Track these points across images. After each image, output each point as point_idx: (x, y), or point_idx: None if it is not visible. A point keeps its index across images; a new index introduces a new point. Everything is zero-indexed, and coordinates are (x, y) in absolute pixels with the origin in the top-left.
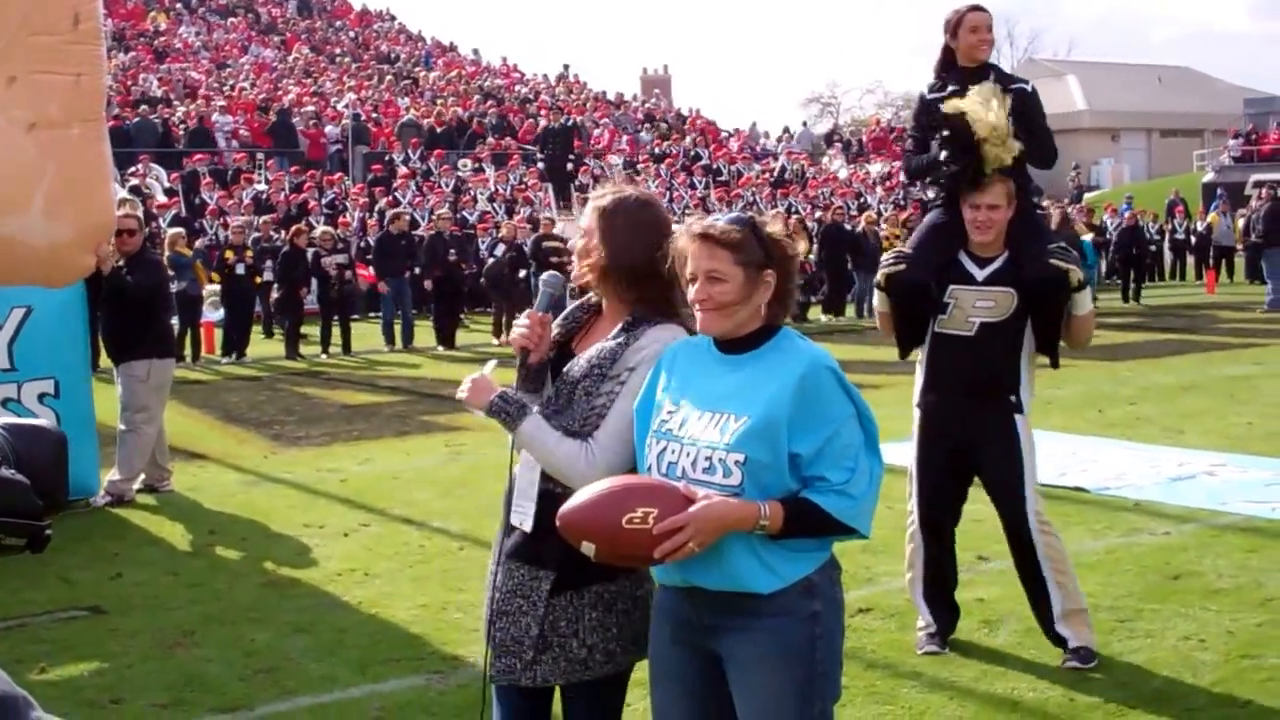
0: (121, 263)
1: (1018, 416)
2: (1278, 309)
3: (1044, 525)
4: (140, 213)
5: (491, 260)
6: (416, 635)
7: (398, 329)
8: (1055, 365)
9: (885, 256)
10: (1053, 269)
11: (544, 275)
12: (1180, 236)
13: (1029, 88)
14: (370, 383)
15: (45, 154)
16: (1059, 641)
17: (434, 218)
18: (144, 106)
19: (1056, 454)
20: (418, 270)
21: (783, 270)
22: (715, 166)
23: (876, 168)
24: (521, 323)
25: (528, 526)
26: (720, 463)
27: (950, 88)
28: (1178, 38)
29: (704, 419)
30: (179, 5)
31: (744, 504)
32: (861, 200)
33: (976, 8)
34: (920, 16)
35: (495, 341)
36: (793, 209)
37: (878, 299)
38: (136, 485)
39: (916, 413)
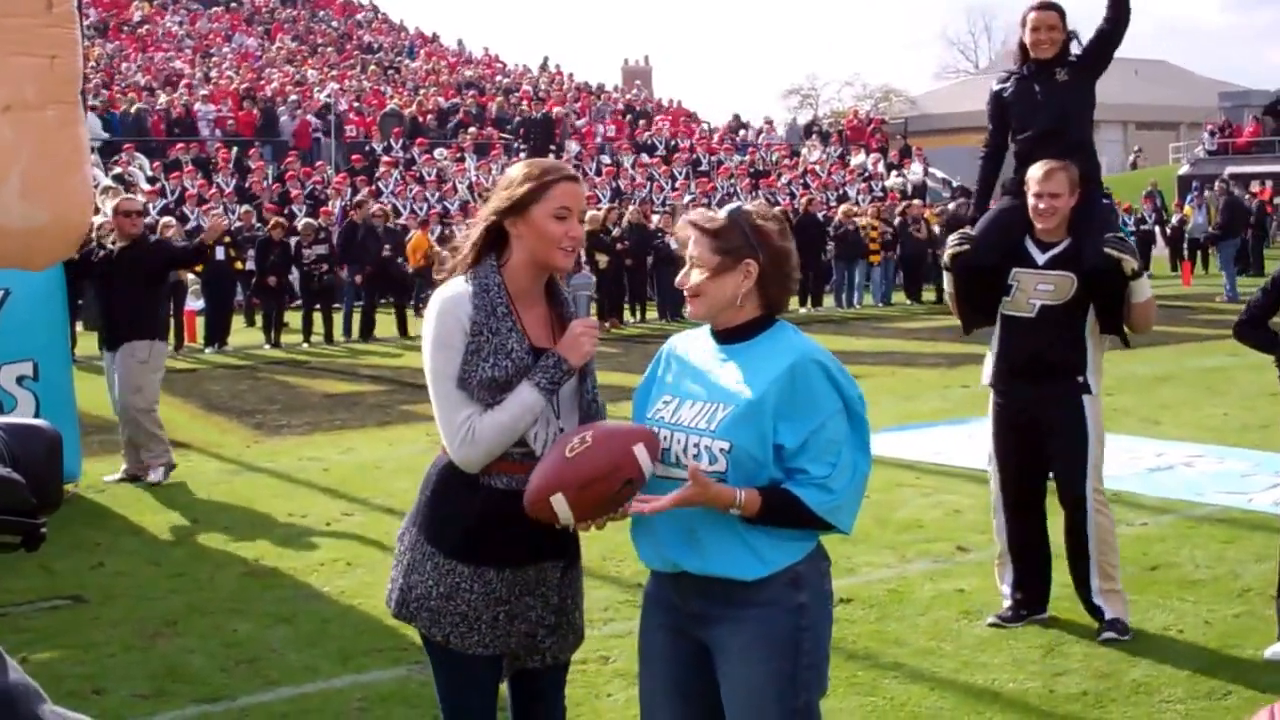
0: (124, 244)
1: (1085, 397)
2: (1235, 300)
3: (1100, 506)
4: (135, 196)
5: None
6: (399, 626)
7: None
8: (1126, 345)
9: (951, 238)
10: (1107, 258)
11: (577, 279)
12: (1148, 228)
13: (1075, 44)
14: (351, 372)
15: (20, 136)
16: (1095, 612)
17: (365, 208)
18: (130, 95)
19: None
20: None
21: (772, 260)
22: (695, 157)
23: (857, 159)
24: (595, 335)
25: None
26: (706, 450)
27: (1012, 77)
28: (1149, 31)
29: (695, 408)
30: None
31: (721, 489)
32: (841, 191)
33: (1038, 6)
34: (900, 9)
35: None
36: (772, 200)
37: (945, 279)
38: (119, 475)
39: (990, 393)
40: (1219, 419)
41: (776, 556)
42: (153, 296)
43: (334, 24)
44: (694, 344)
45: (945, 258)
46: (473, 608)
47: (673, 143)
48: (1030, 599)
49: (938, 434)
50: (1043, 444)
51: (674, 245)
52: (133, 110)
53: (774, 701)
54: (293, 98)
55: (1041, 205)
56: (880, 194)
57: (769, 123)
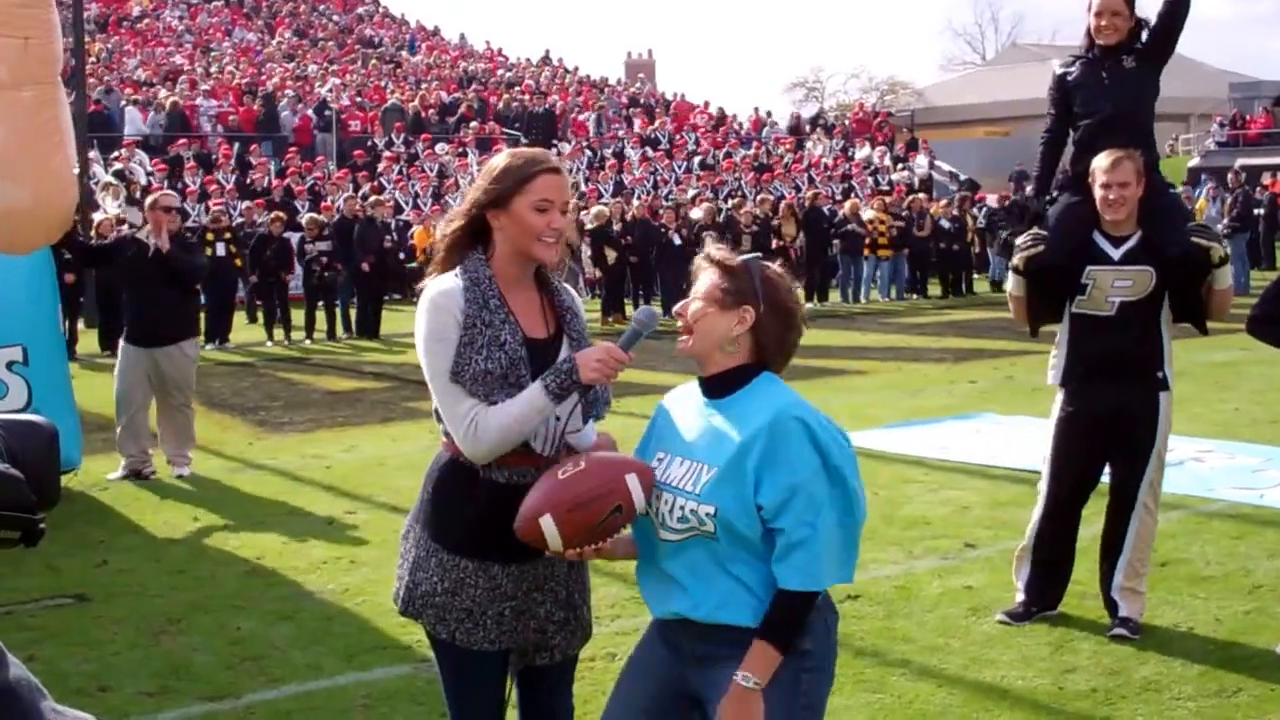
0: (158, 242)
1: (1163, 394)
2: (1244, 293)
3: (1150, 505)
4: (123, 198)
5: None
6: (403, 623)
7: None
8: (1204, 332)
9: (1022, 240)
10: (1195, 247)
11: (640, 313)
12: None
13: (1142, 29)
14: (354, 369)
15: None
16: (1111, 607)
17: (370, 204)
18: (127, 90)
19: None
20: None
21: (772, 311)
22: (698, 151)
23: (863, 152)
24: (610, 361)
25: None
26: (694, 514)
27: (1077, 61)
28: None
29: (683, 466)
30: None
31: (752, 697)
32: (846, 185)
33: None
34: (905, 1)
35: None
36: (778, 194)
37: (1012, 283)
38: (122, 472)
39: (1059, 393)
40: (1229, 414)
41: (749, 594)
42: (192, 293)
43: (335, 18)
44: (684, 399)
45: (1017, 260)
46: (478, 604)
47: (677, 137)
48: (1043, 597)
49: (944, 430)
50: (1109, 442)
51: (677, 241)
52: (168, 104)
53: None
54: (292, 93)
55: (1111, 195)
56: (887, 188)
57: (760, 113)
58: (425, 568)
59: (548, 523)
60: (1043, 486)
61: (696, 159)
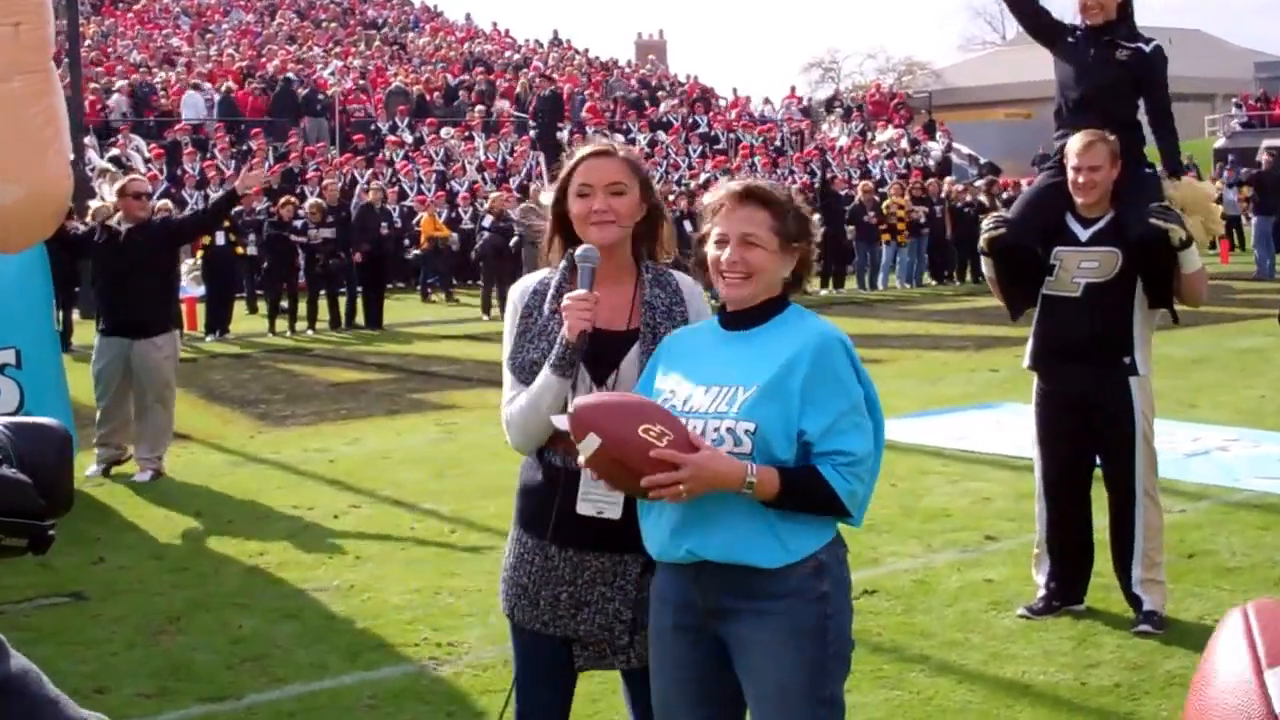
0: (131, 226)
1: (1133, 379)
2: (1265, 277)
3: (1150, 494)
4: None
5: (484, 235)
6: (409, 621)
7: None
8: (1175, 320)
9: (986, 221)
10: (1153, 228)
11: (580, 251)
12: None
13: (1148, 48)
14: (358, 360)
15: None
16: (1134, 602)
17: (368, 189)
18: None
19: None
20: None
21: (810, 246)
22: (713, 134)
23: (886, 134)
24: (580, 306)
25: (616, 515)
26: (729, 433)
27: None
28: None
29: (710, 393)
30: None
31: (733, 461)
32: (865, 167)
33: None
34: None
35: (485, 317)
36: (793, 176)
37: (985, 265)
38: (97, 467)
39: (1033, 377)
40: (1255, 401)
41: (800, 544)
42: (168, 284)
43: None
44: (694, 335)
45: (982, 242)
46: (533, 581)
47: (691, 119)
48: (1065, 591)
49: (964, 419)
50: (1089, 429)
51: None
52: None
53: (803, 693)
54: (294, 76)
55: (1081, 179)
56: (904, 171)
57: (774, 96)
58: (508, 544)
59: (591, 444)
60: (1037, 472)
61: (716, 145)
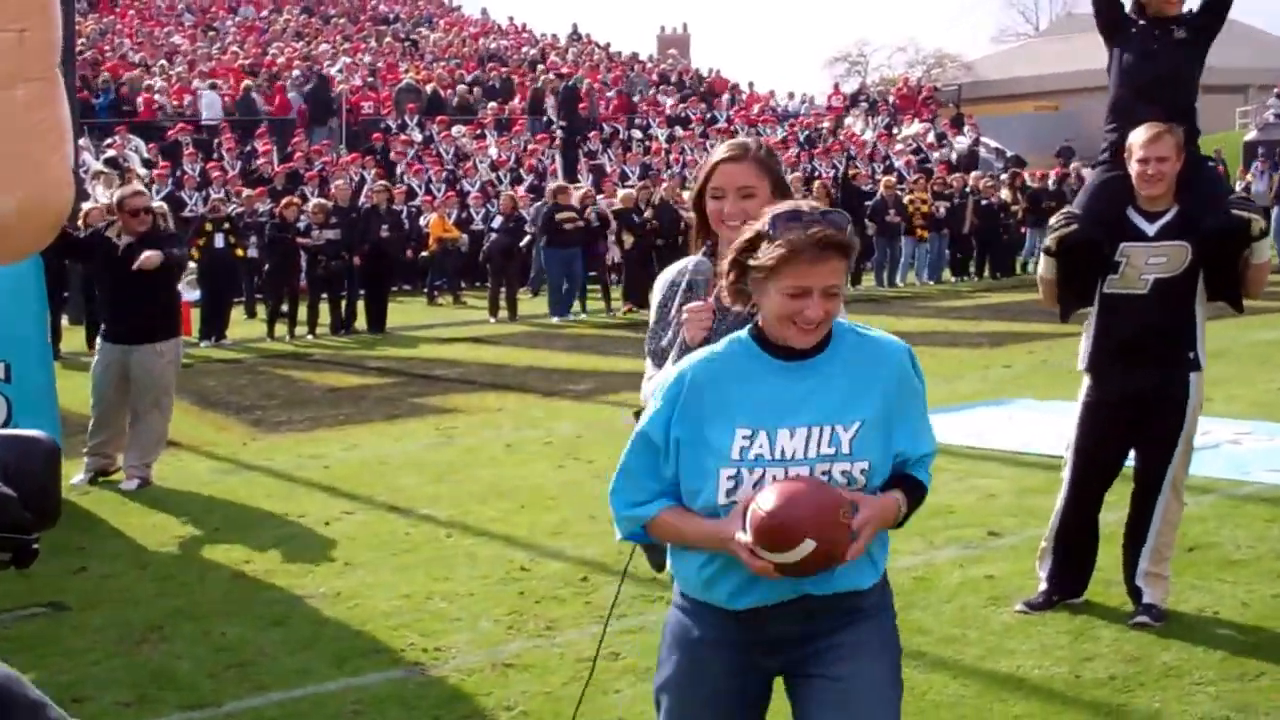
0: (131, 240)
1: (1193, 375)
2: None
3: (1176, 490)
4: (116, 186)
5: (494, 235)
6: (397, 627)
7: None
8: (1240, 310)
9: (1054, 220)
10: (1236, 219)
11: (692, 266)
12: None
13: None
14: (359, 364)
15: None
16: (1135, 594)
17: (370, 190)
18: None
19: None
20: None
21: None
22: (733, 129)
23: (910, 129)
24: (698, 316)
25: None
26: (845, 475)
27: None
28: None
29: (799, 436)
30: None
31: (883, 501)
32: (888, 163)
33: None
34: None
35: (492, 320)
36: (815, 172)
37: (1044, 265)
38: (84, 475)
39: (1085, 378)
40: (1272, 394)
41: (881, 557)
42: (169, 291)
43: None
44: (732, 368)
45: (1050, 241)
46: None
47: (710, 115)
48: (1065, 585)
49: (976, 415)
50: (1136, 426)
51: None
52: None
53: (892, 684)
54: (299, 73)
55: (1150, 170)
56: (930, 166)
57: (797, 91)
58: None
59: (807, 548)
60: (1066, 474)
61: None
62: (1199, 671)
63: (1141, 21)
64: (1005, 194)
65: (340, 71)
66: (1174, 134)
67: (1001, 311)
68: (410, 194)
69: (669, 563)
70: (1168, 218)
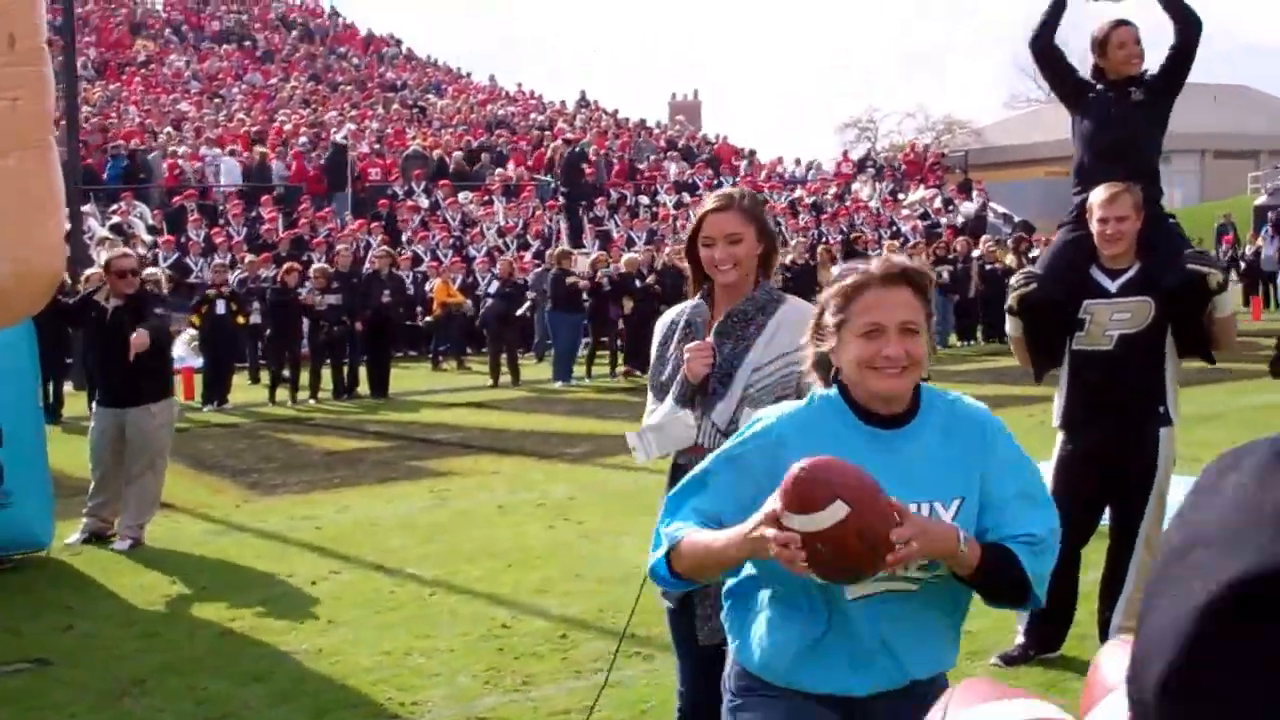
0: (119, 303)
1: (1163, 430)
2: None
3: (1150, 544)
4: (130, 251)
5: (488, 301)
6: (376, 681)
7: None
8: (1211, 363)
9: (1014, 279)
10: (1191, 273)
11: (690, 306)
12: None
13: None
14: (358, 428)
15: None
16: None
17: (373, 255)
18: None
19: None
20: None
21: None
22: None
23: (918, 194)
24: (698, 355)
25: (643, 459)
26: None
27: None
28: (1228, 53)
29: None
30: (168, 32)
31: (940, 522)
32: (894, 229)
33: (1120, 24)
34: (967, 37)
35: (493, 384)
36: (823, 237)
37: (1010, 325)
38: (80, 535)
39: (1060, 434)
40: None
41: (957, 640)
42: (159, 354)
43: (355, 61)
44: (824, 432)
45: (1011, 300)
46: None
47: (717, 181)
48: (1043, 641)
49: None
50: (1109, 480)
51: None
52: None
53: None
54: (306, 139)
55: (1108, 230)
56: (938, 231)
57: (803, 158)
58: None
59: (838, 511)
60: None
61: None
62: None
63: (1100, 86)
64: (1010, 259)
65: (345, 138)
66: (1132, 193)
67: (1003, 375)
68: (416, 260)
69: (730, 644)
70: (1129, 274)
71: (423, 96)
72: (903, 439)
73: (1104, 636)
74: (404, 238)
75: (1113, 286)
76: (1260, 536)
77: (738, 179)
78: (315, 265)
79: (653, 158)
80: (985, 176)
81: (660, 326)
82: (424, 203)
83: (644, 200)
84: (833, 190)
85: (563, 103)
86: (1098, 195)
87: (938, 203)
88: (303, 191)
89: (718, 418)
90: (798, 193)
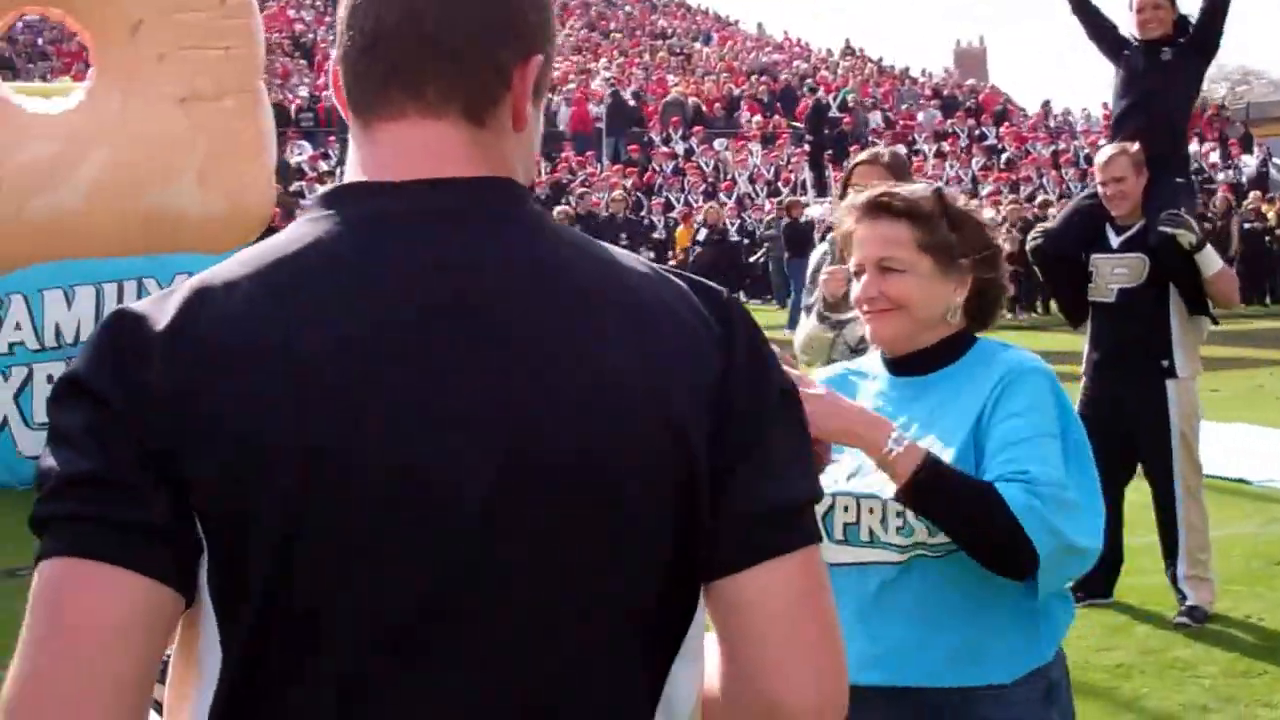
0: None
1: (1170, 382)
2: None
3: (1191, 495)
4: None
5: (696, 249)
6: None
7: None
8: (1215, 322)
9: (1032, 232)
10: (1162, 235)
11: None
12: None
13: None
14: None
15: (197, 127)
16: (1180, 597)
17: (610, 199)
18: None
19: (1222, 441)
20: None
21: (983, 259)
22: (999, 147)
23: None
24: (836, 276)
25: None
26: (917, 519)
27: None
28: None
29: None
30: None
31: (879, 416)
32: None
33: None
34: None
35: None
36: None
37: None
38: None
39: (1083, 379)
40: None
41: (1029, 655)
42: None
43: (628, 9)
44: (857, 381)
45: (1027, 253)
46: None
47: (978, 131)
48: (1091, 586)
49: None
50: (1130, 437)
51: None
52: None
53: None
54: (573, 86)
55: (1109, 191)
56: (1211, 187)
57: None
58: None
59: None
60: None
61: (1003, 156)
62: (1204, 666)
63: (1136, 44)
64: (1272, 216)
65: (603, 83)
66: (1129, 154)
67: (1234, 338)
68: (669, 205)
69: None
70: (1131, 231)
71: (689, 44)
72: (920, 386)
73: (1174, 584)
74: (657, 184)
75: (1115, 242)
76: None
77: (1000, 129)
78: (558, 208)
79: (905, 107)
80: (1273, 132)
81: (814, 257)
82: (680, 149)
83: (901, 150)
84: (1103, 142)
85: (828, 50)
86: (1099, 158)
87: (1214, 158)
88: (565, 138)
89: (848, 335)
90: (1064, 145)
